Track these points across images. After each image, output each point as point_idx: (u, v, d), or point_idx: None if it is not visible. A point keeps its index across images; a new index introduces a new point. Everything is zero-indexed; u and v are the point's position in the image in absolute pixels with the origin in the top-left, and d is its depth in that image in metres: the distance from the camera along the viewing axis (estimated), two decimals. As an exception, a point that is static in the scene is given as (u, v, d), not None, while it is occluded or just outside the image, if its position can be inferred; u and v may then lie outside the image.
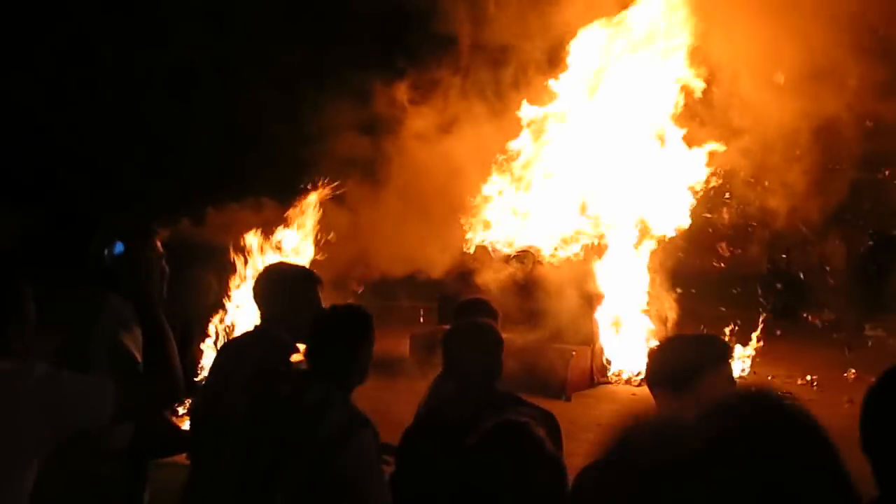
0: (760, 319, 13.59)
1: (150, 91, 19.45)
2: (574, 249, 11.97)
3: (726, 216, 13.86)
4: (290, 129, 18.22)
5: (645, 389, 3.60)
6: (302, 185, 9.48)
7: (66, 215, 20.56)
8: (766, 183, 13.19)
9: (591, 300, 11.78)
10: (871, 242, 20.96)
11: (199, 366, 8.27)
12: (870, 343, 15.61)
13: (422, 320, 13.97)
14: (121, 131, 19.42)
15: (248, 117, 18.91)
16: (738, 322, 13.64)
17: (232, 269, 8.10)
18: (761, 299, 15.98)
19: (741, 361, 12.63)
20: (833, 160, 14.84)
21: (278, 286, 4.04)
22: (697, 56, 12.10)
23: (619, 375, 11.79)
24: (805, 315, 17.41)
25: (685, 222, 12.42)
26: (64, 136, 19.59)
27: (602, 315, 11.92)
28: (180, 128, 19.35)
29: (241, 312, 8.23)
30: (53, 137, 19.69)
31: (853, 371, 12.49)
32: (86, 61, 19.52)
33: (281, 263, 4.41)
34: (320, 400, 3.24)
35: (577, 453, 2.74)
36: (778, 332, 14.79)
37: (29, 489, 2.41)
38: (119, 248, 3.02)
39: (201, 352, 8.37)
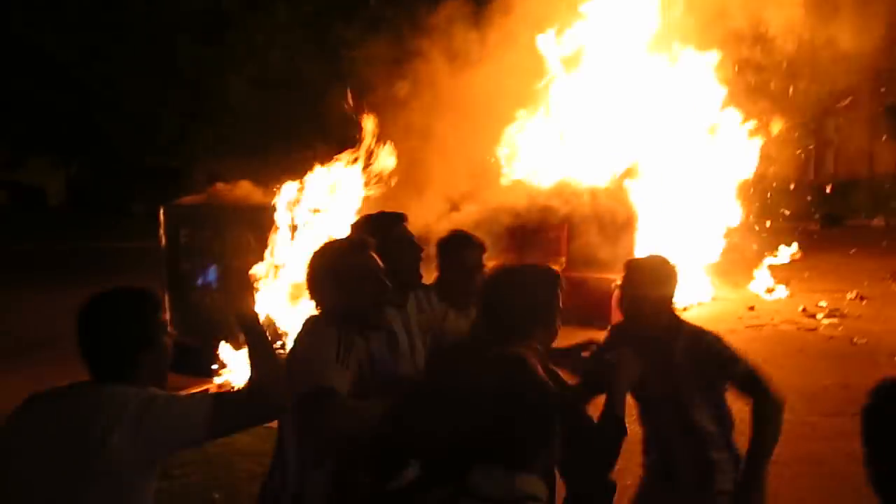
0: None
1: (183, 36, 19.41)
2: (609, 179, 11.87)
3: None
4: (322, 70, 18.20)
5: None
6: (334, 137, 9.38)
7: (111, 165, 20.93)
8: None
9: (629, 228, 11.73)
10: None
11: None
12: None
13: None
14: (156, 79, 19.51)
15: (281, 60, 18.87)
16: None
17: (271, 226, 8.15)
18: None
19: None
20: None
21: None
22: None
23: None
24: (852, 222, 17.18)
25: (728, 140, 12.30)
26: (101, 87, 19.74)
27: (642, 241, 11.86)
28: (214, 73, 19.38)
29: (283, 268, 8.34)
30: (91, 90, 19.86)
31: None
32: (114, 9, 19.52)
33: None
34: None
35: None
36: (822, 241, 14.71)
37: None
38: (212, 274, 3.12)
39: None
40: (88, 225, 19.83)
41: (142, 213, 13.51)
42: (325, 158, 9.29)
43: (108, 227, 19.55)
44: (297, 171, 9.48)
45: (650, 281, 3.59)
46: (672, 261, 3.67)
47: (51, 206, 31.40)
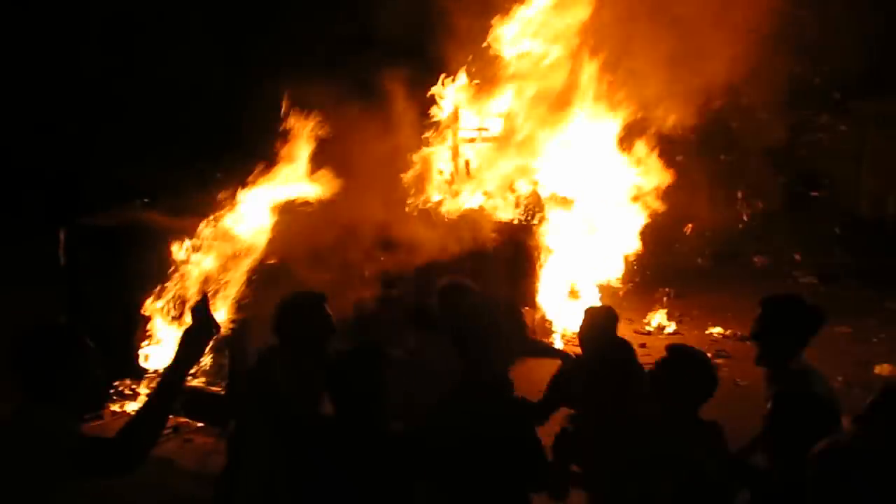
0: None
1: (87, 44, 19.01)
2: (515, 212, 12.14)
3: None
4: (230, 81, 18.08)
5: None
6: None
7: (5, 167, 20.24)
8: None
9: (531, 261, 12.01)
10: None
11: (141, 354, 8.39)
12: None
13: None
14: (59, 85, 19.04)
15: (188, 69, 18.61)
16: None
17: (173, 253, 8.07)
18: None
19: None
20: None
21: None
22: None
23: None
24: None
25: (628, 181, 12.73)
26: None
27: (543, 276, 12.17)
28: (120, 80, 19.03)
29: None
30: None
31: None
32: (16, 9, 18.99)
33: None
34: None
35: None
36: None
37: None
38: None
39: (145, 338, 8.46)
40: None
41: (40, 217, 13.22)
42: (233, 173, 9.25)
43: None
44: (204, 182, 9.46)
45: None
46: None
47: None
